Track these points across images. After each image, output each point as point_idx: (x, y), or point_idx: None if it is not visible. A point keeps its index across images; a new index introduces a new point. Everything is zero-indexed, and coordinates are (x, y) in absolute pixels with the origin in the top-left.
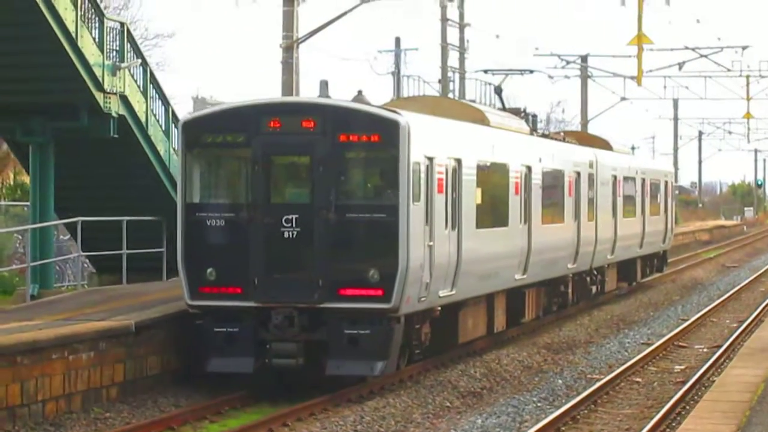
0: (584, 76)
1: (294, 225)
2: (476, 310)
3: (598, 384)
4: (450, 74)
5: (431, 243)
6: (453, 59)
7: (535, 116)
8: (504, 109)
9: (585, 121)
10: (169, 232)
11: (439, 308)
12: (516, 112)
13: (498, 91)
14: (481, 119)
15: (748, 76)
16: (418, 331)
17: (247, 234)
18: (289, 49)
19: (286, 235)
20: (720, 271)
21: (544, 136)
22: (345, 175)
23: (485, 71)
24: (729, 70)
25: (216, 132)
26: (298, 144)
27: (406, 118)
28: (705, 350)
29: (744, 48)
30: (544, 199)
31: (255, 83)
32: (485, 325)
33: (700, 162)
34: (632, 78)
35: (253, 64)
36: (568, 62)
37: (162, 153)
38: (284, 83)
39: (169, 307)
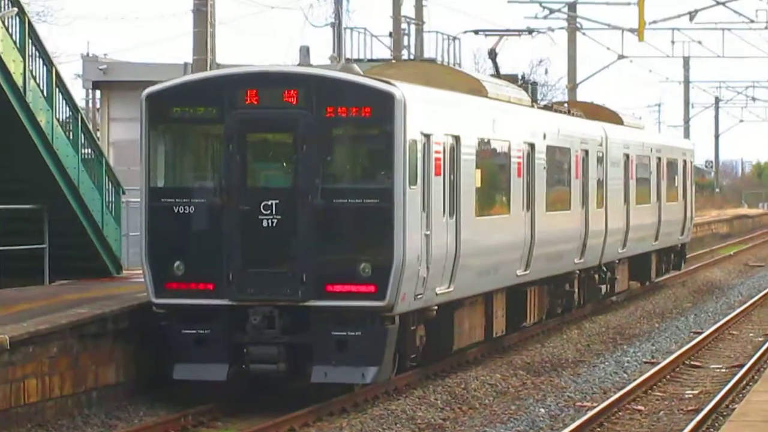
0: (572, 29)
1: (274, 212)
2: (473, 310)
3: (589, 414)
4: (404, 26)
5: (428, 232)
6: (408, 7)
7: (535, 85)
8: (498, 76)
9: (573, 85)
10: (52, 223)
11: (436, 308)
12: (512, 79)
13: (492, 55)
14: (478, 89)
15: None
16: (413, 333)
17: (220, 222)
18: None
19: (264, 223)
20: (742, 272)
21: (546, 108)
22: (332, 155)
23: (476, 32)
24: (752, 21)
25: (184, 105)
26: (279, 119)
27: (401, 89)
28: (723, 371)
29: None
30: (548, 183)
31: (161, 37)
32: (483, 329)
33: (716, 136)
34: (632, 31)
35: (158, 14)
36: (551, 11)
37: (43, 124)
38: (196, 36)
39: (55, 318)
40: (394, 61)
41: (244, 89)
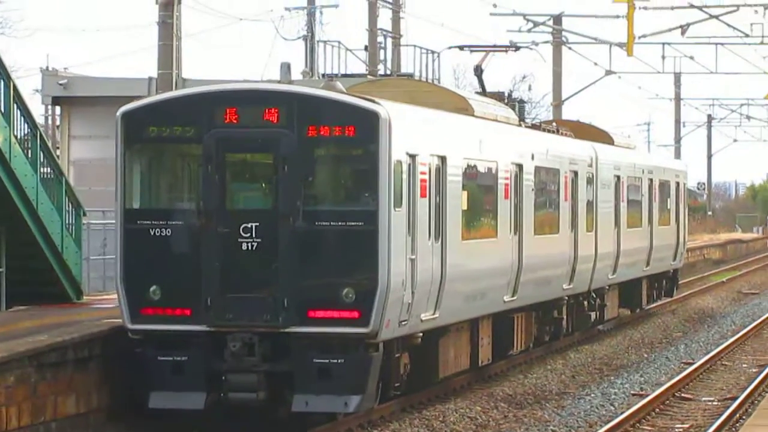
0: (557, 43)
1: (254, 235)
2: (459, 338)
3: None
4: (380, 40)
5: (413, 256)
6: (384, 20)
7: (522, 103)
8: (485, 93)
9: (558, 102)
10: (9, 246)
11: (420, 334)
12: (499, 97)
13: (478, 72)
14: (465, 108)
15: None
16: (397, 361)
17: (198, 245)
18: (169, 5)
19: (244, 246)
20: (735, 300)
21: (534, 126)
22: (314, 176)
23: (460, 48)
24: (747, 35)
25: (161, 124)
26: (259, 139)
27: (386, 108)
28: (715, 404)
29: (766, 7)
30: (536, 205)
31: (124, 50)
32: (468, 357)
33: (709, 156)
34: (620, 45)
35: (121, 26)
36: (535, 24)
37: (0, 143)
38: (162, 49)
39: (12, 345)
40: (369, 77)
41: (223, 107)
